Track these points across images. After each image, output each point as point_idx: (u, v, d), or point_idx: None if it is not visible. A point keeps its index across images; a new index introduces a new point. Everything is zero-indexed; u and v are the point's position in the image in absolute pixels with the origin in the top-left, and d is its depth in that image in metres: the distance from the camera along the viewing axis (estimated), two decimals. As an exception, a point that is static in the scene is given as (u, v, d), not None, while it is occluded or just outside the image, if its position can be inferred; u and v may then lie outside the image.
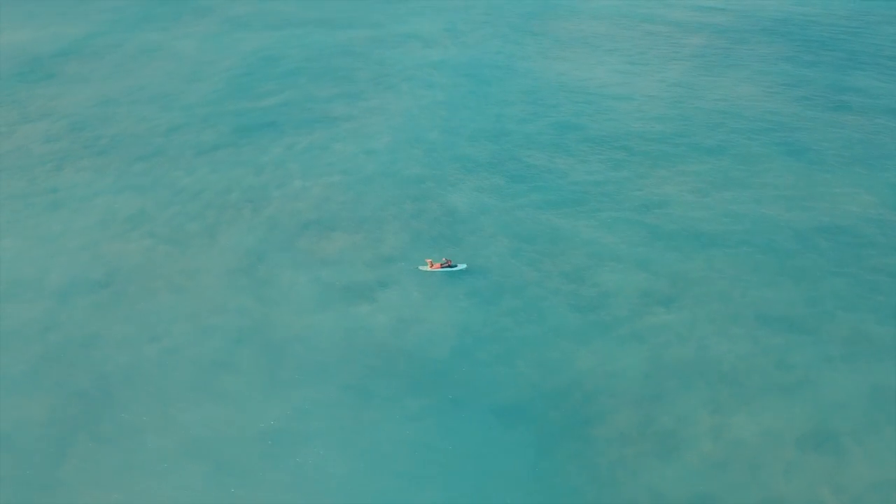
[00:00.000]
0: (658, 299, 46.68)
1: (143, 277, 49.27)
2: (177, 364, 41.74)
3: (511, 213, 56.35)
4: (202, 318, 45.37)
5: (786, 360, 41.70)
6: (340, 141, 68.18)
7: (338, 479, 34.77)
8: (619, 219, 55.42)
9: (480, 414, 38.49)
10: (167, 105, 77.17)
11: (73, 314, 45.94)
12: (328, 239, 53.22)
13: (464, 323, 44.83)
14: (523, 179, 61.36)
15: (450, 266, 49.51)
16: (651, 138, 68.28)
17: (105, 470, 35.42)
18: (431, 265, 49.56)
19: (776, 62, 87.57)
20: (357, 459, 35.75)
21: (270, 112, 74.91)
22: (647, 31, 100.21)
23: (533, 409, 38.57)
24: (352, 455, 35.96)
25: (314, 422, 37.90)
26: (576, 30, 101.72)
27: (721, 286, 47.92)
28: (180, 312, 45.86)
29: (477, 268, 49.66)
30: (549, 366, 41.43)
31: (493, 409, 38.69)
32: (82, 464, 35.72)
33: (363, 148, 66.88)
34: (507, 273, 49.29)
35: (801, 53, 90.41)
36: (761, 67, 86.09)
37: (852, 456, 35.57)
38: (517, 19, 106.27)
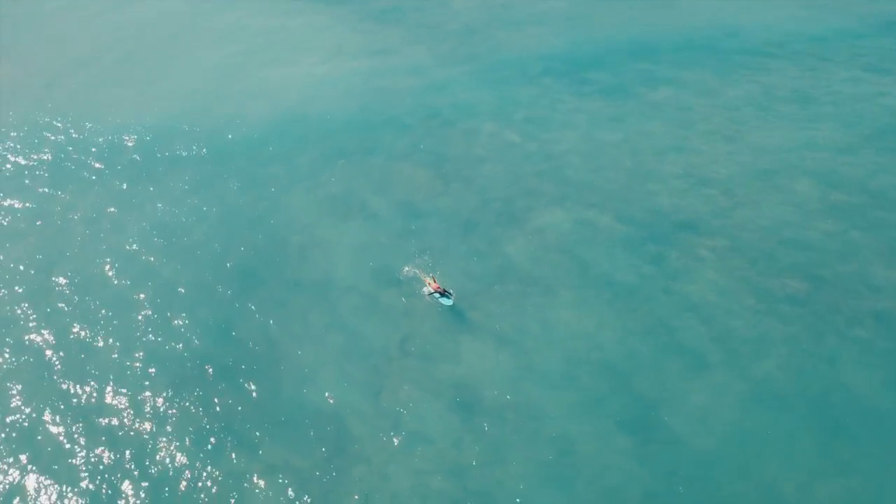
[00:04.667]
0: (553, 438, 33.95)
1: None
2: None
3: (576, 262, 43.81)
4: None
5: None
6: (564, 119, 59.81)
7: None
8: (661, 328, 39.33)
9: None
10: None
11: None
12: (404, 174, 53.56)
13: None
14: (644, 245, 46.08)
15: (441, 293, 42.20)
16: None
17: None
18: (431, 283, 42.85)
19: None
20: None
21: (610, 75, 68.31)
22: None
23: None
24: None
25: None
26: None
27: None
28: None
29: (458, 303, 42.14)
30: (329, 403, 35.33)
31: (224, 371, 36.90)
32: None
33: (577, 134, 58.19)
34: (466, 317, 41.25)
35: None
36: None
37: None
38: None
